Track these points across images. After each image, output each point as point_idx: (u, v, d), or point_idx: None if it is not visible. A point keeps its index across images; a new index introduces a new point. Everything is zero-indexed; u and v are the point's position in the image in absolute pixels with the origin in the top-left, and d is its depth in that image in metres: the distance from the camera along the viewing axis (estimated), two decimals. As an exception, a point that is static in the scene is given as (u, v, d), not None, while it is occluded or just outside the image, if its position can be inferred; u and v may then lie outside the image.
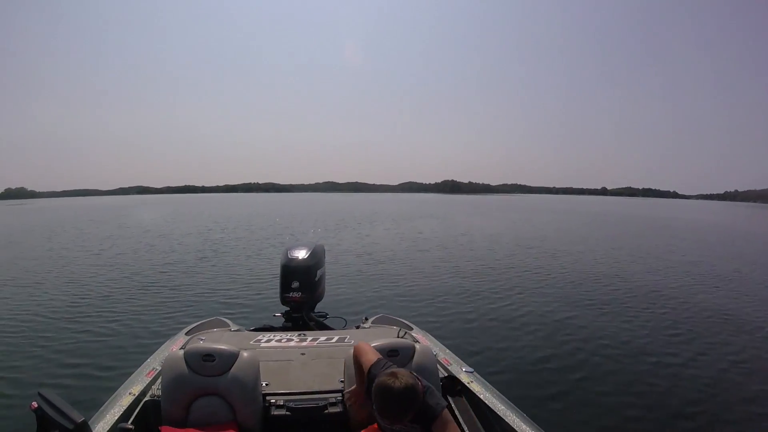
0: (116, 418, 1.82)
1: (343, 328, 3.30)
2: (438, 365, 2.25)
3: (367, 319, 3.36)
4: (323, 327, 3.39)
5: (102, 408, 1.90)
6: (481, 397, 2.07)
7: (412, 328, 3.04)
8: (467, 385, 2.18)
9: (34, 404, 1.40)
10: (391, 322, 3.20)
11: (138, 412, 1.96)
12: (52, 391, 1.47)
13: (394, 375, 1.55)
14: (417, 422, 1.58)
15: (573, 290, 7.95)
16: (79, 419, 1.41)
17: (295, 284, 3.39)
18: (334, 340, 2.75)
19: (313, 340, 2.76)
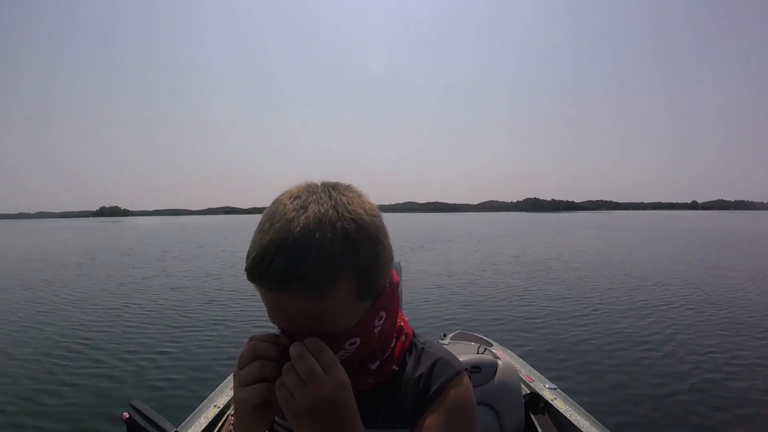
0: (201, 429, 1.80)
1: None
2: (521, 382, 2.13)
3: (445, 335, 3.20)
4: None
5: (188, 419, 1.89)
6: (565, 414, 1.94)
7: (491, 345, 2.84)
8: (551, 402, 2.05)
9: (126, 415, 1.38)
10: (471, 339, 3.03)
11: (222, 424, 1.95)
12: (143, 401, 1.46)
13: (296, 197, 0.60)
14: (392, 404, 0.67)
15: (663, 310, 7.13)
16: (171, 430, 1.39)
17: None
18: None
19: None
